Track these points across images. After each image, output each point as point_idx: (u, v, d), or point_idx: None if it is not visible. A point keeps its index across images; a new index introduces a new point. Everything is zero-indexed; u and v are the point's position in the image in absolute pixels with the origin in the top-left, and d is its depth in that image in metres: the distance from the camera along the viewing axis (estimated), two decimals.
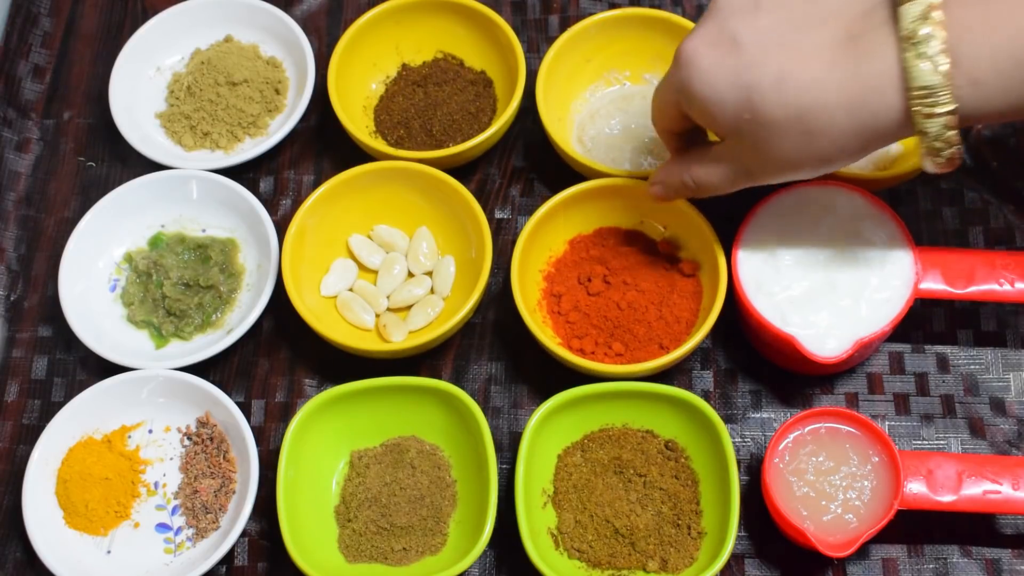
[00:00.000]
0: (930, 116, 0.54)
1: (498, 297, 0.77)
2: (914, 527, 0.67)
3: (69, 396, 0.74)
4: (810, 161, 0.58)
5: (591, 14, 0.81)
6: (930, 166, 0.57)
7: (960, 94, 0.53)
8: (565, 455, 0.69)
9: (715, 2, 0.60)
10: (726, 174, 0.63)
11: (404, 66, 0.85)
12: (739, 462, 0.69)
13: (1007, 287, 0.67)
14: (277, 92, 0.84)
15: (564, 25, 0.85)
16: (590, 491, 0.68)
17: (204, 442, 0.71)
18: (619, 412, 0.69)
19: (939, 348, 0.73)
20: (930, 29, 0.53)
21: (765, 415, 0.71)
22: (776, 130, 0.57)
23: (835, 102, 0.55)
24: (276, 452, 0.71)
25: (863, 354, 0.70)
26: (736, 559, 0.68)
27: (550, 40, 0.83)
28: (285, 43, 0.85)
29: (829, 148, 0.57)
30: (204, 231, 0.79)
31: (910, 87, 0.53)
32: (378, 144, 0.78)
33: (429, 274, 0.77)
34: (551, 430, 0.68)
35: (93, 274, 0.77)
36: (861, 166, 0.78)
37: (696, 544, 0.66)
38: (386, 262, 0.77)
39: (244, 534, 0.70)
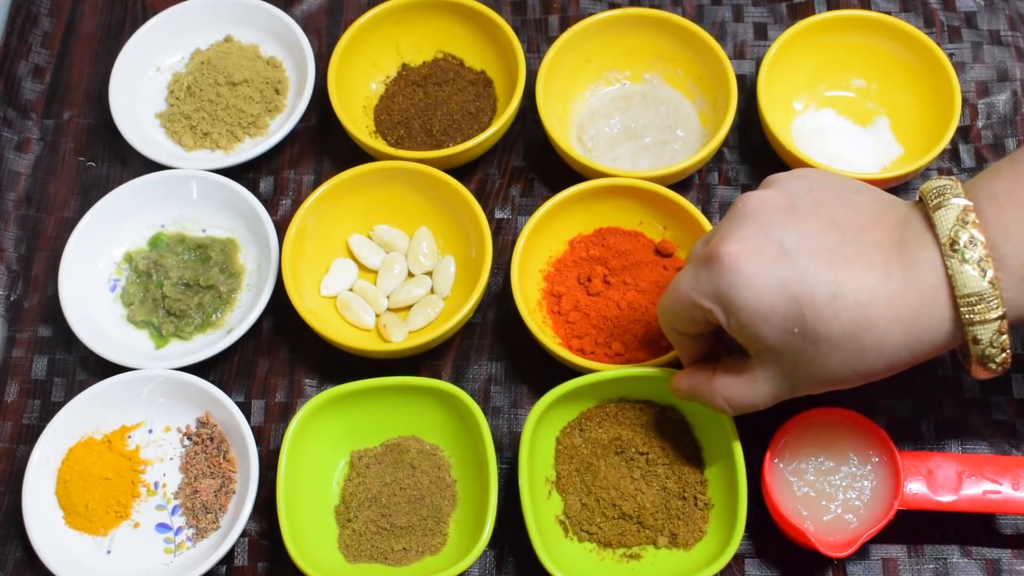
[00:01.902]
0: (982, 323, 0.52)
1: (498, 297, 0.77)
2: (914, 527, 0.67)
3: (69, 396, 0.74)
4: (855, 377, 0.55)
5: (591, 14, 0.81)
6: (981, 373, 0.55)
7: (1010, 296, 0.51)
8: (564, 437, 0.69)
9: (744, 204, 0.56)
10: (766, 393, 0.58)
11: (404, 66, 0.85)
12: None
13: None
14: (277, 92, 0.84)
15: (564, 25, 0.85)
16: (593, 474, 0.67)
17: (204, 442, 0.71)
18: (616, 389, 0.69)
19: None
20: (970, 233, 0.51)
21: (765, 415, 0.71)
22: (827, 347, 0.53)
23: (891, 317, 0.52)
24: (276, 452, 0.71)
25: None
26: (736, 559, 0.68)
27: (550, 40, 0.83)
28: (285, 43, 0.85)
29: (879, 364, 0.54)
30: (204, 231, 0.79)
31: (959, 295, 0.51)
32: (378, 144, 0.78)
33: (429, 274, 0.77)
34: (549, 417, 0.68)
35: (93, 274, 0.77)
36: (863, 168, 0.78)
37: (704, 516, 0.66)
38: (386, 262, 0.77)
39: (244, 534, 0.70)
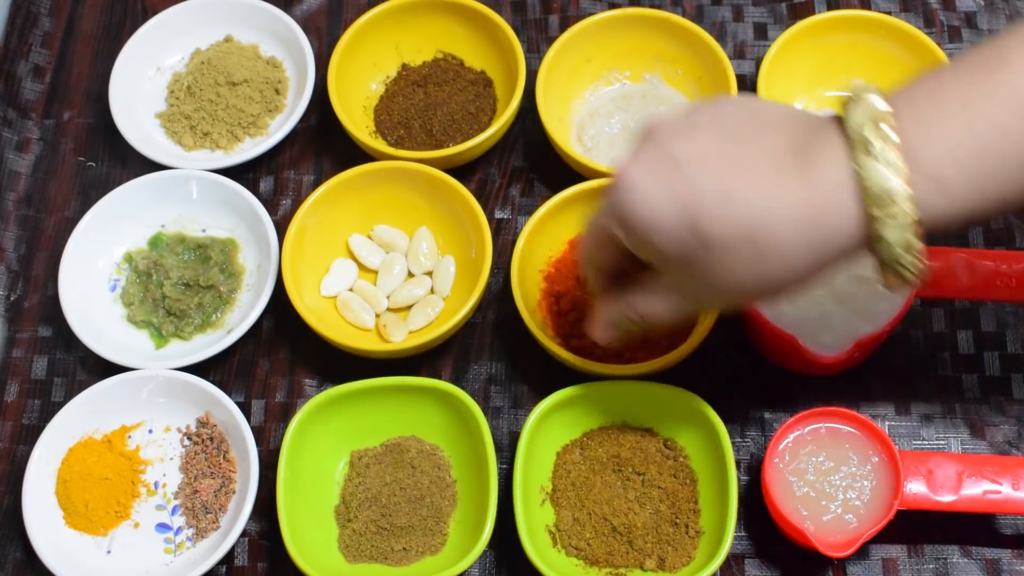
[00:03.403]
0: (890, 220, 0.49)
1: (498, 297, 0.77)
2: (914, 527, 0.67)
3: (69, 396, 0.74)
4: (760, 285, 0.53)
5: (591, 14, 0.81)
6: (894, 282, 0.52)
7: (922, 195, 0.49)
8: (564, 452, 0.69)
9: (651, 128, 0.55)
10: (672, 303, 0.58)
11: (404, 66, 0.85)
12: (739, 462, 0.69)
13: None
14: (277, 92, 0.84)
15: (564, 25, 0.85)
16: (588, 489, 0.68)
17: (204, 442, 0.71)
18: (619, 410, 0.69)
19: (939, 350, 0.73)
20: (881, 130, 0.49)
21: (765, 415, 0.71)
22: (723, 251, 0.51)
23: (786, 216, 0.50)
24: (276, 452, 0.71)
25: (863, 354, 0.70)
26: (736, 559, 0.68)
27: (550, 40, 0.83)
28: (285, 43, 0.85)
29: (780, 269, 0.51)
30: (204, 231, 0.79)
31: (867, 192, 0.49)
32: (378, 144, 0.78)
33: (429, 274, 0.77)
34: (550, 427, 0.68)
35: (93, 274, 0.77)
36: None
37: (694, 543, 0.66)
38: (386, 262, 0.77)
39: (244, 534, 0.70)
